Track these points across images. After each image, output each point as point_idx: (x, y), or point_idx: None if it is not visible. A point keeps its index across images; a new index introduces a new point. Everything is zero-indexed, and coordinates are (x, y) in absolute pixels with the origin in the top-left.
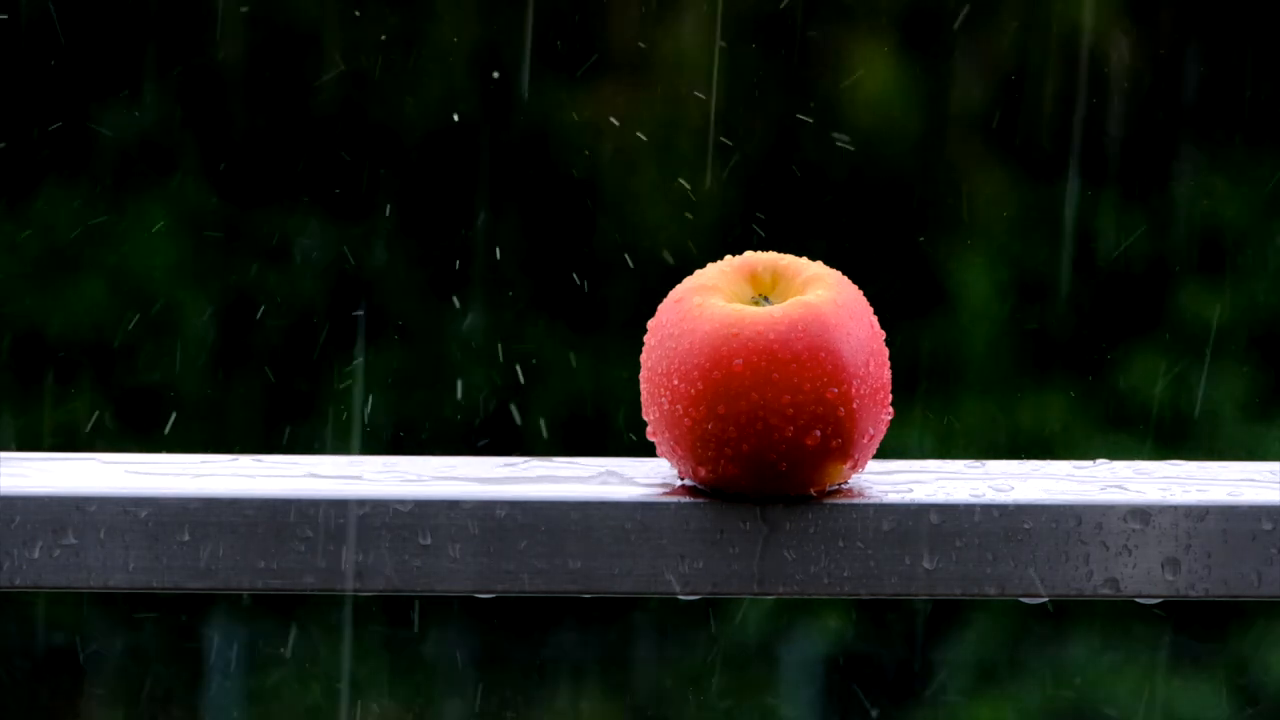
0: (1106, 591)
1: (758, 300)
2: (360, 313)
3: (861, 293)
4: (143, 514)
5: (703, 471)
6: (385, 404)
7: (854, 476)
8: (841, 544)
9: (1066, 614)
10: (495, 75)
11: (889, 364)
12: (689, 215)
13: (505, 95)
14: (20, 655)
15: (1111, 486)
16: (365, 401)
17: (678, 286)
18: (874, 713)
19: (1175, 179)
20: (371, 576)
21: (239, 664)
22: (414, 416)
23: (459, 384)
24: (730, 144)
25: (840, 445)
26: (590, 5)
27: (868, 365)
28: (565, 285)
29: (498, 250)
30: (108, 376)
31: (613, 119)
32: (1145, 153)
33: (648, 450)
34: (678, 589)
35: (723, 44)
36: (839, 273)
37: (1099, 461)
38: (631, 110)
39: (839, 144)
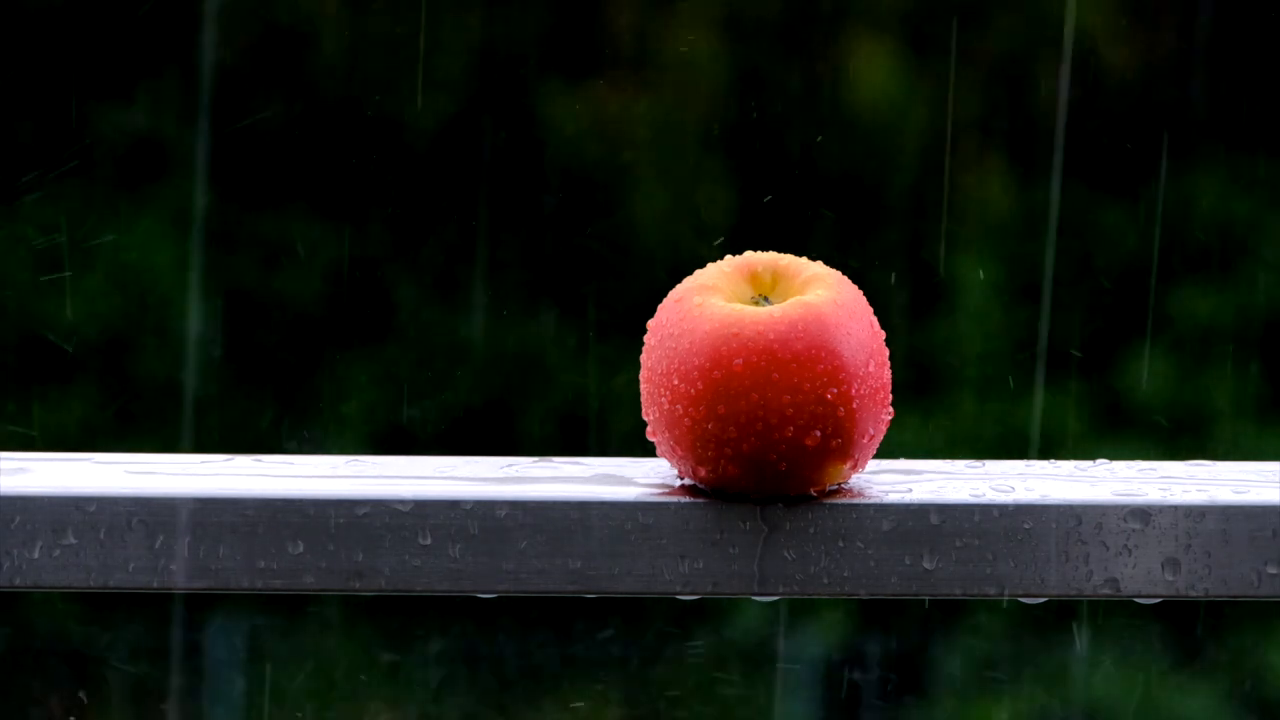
0: (1106, 591)
1: (758, 300)
2: (360, 312)
3: (861, 293)
4: (143, 514)
5: (703, 471)
6: (385, 404)
7: (854, 476)
8: (841, 544)
9: (1066, 614)
10: (495, 74)
11: (889, 364)
12: (689, 215)
13: (505, 94)
14: (20, 655)
15: (1111, 486)
16: (365, 401)
17: (678, 286)
18: (874, 712)
19: (1175, 179)
20: (371, 576)
21: (239, 664)
22: (414, 416)
23: (459, 384)
24: (730, 143)
25: (840, 445)
26: (591, 5)
27: (868, 365)
28: (565, 285)
29: (498, 250)
30: (108, 376)
31: (613, 119)
32: (1145, 152)
33: (647, 450)
34: (678, 589)
35: (723, 44)
36: (839, 273)
37: (1099, 461)
38: (632, 110)
39: (838, 143)
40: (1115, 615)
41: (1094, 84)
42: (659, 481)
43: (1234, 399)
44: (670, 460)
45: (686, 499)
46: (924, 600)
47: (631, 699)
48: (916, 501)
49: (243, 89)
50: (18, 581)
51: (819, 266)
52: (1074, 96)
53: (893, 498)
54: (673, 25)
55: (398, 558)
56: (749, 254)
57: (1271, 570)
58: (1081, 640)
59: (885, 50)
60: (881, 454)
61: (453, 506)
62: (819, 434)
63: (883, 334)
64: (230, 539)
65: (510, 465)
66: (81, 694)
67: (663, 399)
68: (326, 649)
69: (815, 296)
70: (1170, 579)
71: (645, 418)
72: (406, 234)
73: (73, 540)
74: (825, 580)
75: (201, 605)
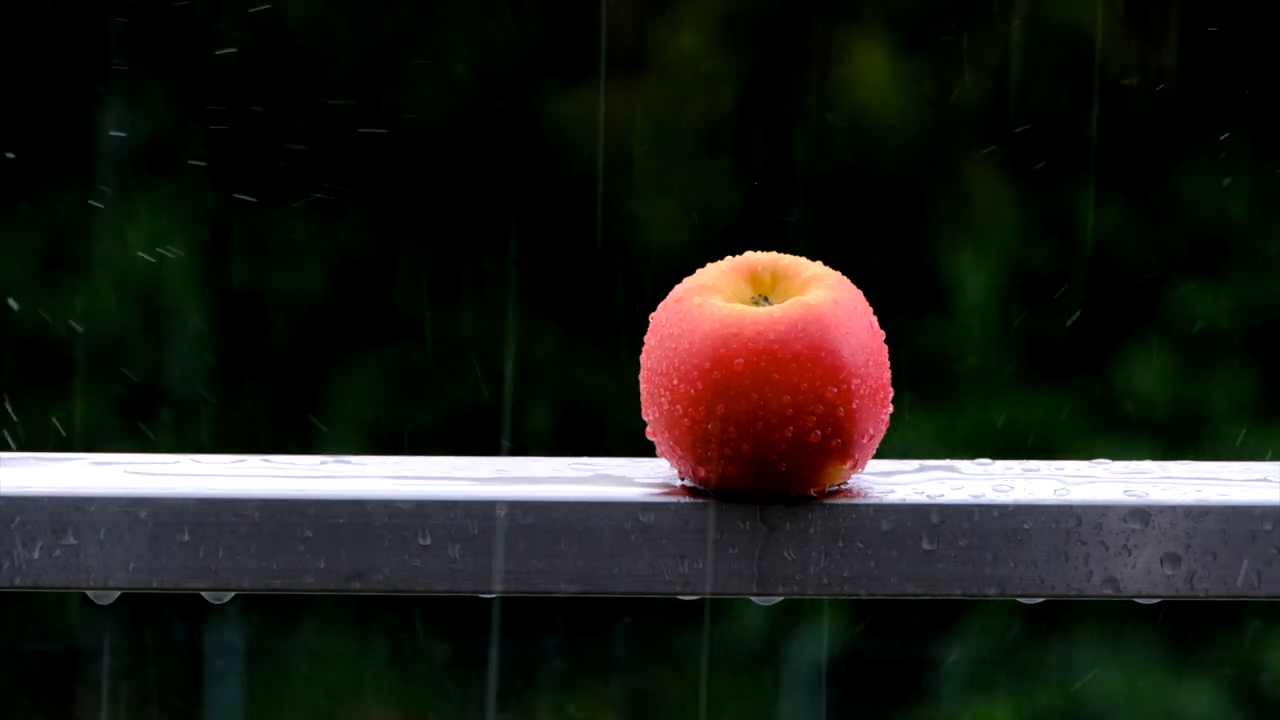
0: (1106, 591)
1: (758, 300)
2: (360, 312)
3: (861, 293)
4: (143, 514)
5: (703, 471)
6: (386, 404)
7: (854, 476)
8: (841, 544)
9: (1066, 614)
10: (496, 74)
11: (889, 364)
12: (689, 215)
13: (505, 94)
14: (20, 655)
15: (1111, 486)
16: (365, 401)
17: (678, 286)
18: (874, 713)
19: (1175, 178)
20: (371, 576)
21: (239, 664)
22: (414, 416)
23: (459, 384)
24: (730, 143)
25: (840, 445)
26: (591, 4)
27: (867, 365)
28: (565, 285)
29: (498, 249)
30: (109, 376)
31: (613, 118)
32: (1145, 152)
33: (647, 450)
34: (678, 589)
35: (723, 44)
36: (839, 273)
37: (1099, 461)
38: (631, 110)
39: (838, 143)
40: (1115, 615)
41: (1093, 83)
42: (659, 481)
43: (1234, 398)
44: (670, 460)
45: (686, 499)
46: (924, 600)
47: (631, 699)
48: (916, 501)
49: (243, 88)
50: (18, 581)
51: (819, 266)
52: (1073, 95)
53: (893, 498)
54: (672, 25)
55: (398, 558)
56: (749, 254)
57: (1272, 570)
58: (1081, 640)
59: (884, 49)
60: (881, 454)
61: (453, 506)
62: (819, 434)
63: (882, 334)
64: (230, 539)
65: (510, 465)
66: (82, 694)
67: (663, 399)
68: (325, 649)
69: (815, 297)
70: (1170, 579)
71: (645, 418)
72: (407, 234)
73: (73, 540)
74: (825, 580)
75: (201, 605)
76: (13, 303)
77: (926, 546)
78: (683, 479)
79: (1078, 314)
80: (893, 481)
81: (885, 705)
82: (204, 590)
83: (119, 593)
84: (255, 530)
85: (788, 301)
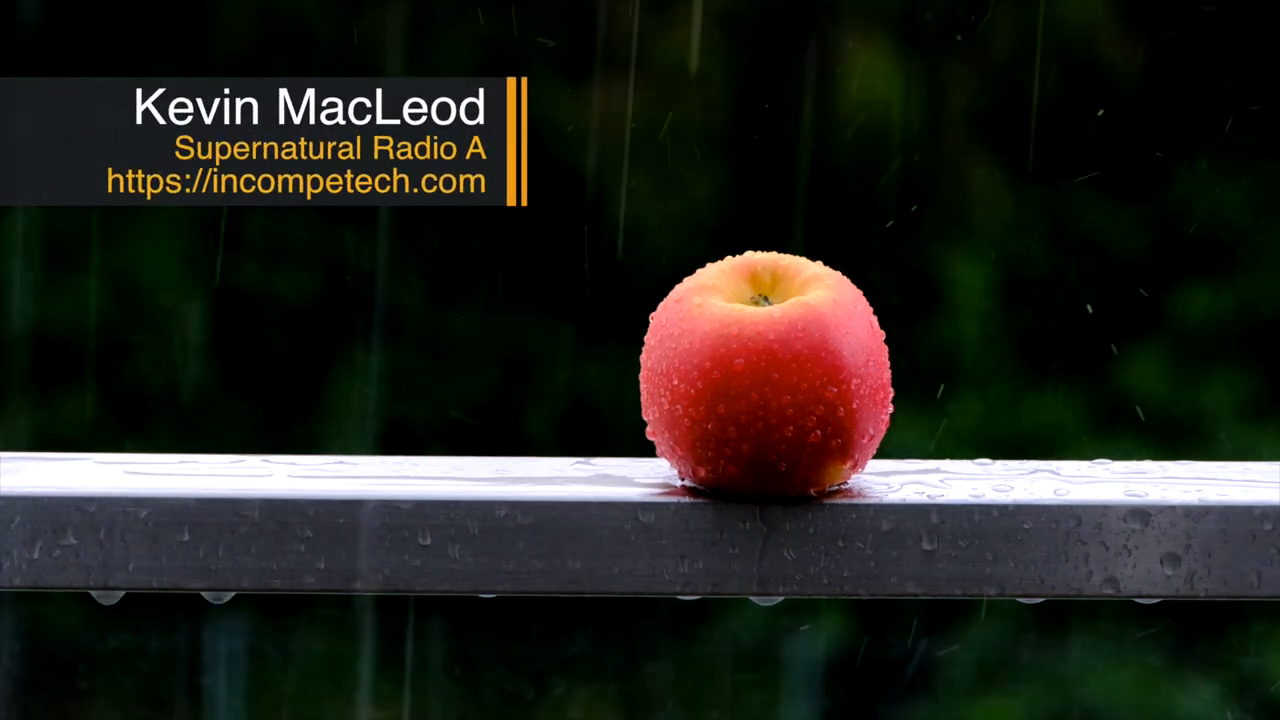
0: (1106, 591)
1: (758, 300)
2: (360, 312)
3: (861, 293)
4: (143, 514)
5: (703, 471)
6: (385, 404)
7: (854, 476)
8: (841, 544)
9: (1066, 614)
10: (493, 73)
11: (889, 364)
12: (688, 215)
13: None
14: (20, 655)
15: (1111, 486)
16: (365, 401)
17: (678, 286)
18: (874, 713)
19: (1175, 179)
20: (371, 576)
21: (239, 664)
22: (414, 416)
23: (459, 384)
24: (729, 144)
25: (840, 445)
26: (590, 5)
27: (867, 365)
28: (565, 285)
29: (497, 249)
30: (108, 376)
31: (612, 118)
32: (1144, 152)
33: (647, 450)
34: (677, 589)
35: (720, 44)
36: (839, 273)
37: (1099, 461)
38: (631, 110)
39: (838, 143)
40: (1115, 615)
41: (1092, 82)
42: (659, 481)
43: (1233, 399)
44: (670, 460)
45: (686, 499)
46: (924, 600)
47: (630, 699)
48: (916, 501)
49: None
50: (18, 581)
51: (819, 266)
52: (1072, 95)
53: (893, 498)
54: (672, 25)
55: (398, 558)
56: (749, 254)
57: (1271, 570)
58: (1082, 640)
59: (882, 49)
60: (881, 454)
61: (453, 506)
62: (819, 434)
63: (882, 334)
64: (230, 539)
65: (509, 465)
66: (82, 694)
67: (663, 399)
68: (324, 649)
69: (815, 297)
70: (1170, 579)
71: (645, 418)
72: (406, 233)
73: (73, 540)
74: (825, 580)
75: (201, 605)
76: (13, 302)
77: (926, 546)
78: (683, 479)
79: (1077, 314)
80: (893, 481)
81: (885, 705)
82: (204, 590)
83: (123, 593)
84: (255, 530)
85: (788, 301)
